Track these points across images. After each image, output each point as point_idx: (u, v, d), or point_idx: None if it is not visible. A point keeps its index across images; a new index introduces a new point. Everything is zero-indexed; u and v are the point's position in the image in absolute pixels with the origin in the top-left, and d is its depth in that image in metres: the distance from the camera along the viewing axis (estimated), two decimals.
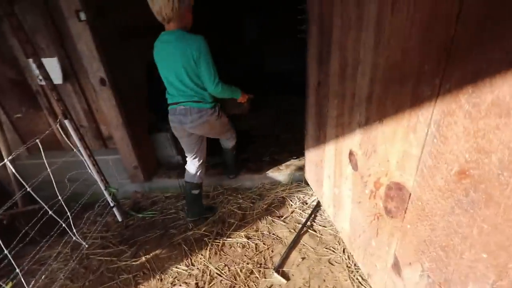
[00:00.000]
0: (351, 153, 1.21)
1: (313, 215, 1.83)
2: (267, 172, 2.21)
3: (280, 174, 2.20)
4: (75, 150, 1.75)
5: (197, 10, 1.47)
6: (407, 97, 0.80)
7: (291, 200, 2.01)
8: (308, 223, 1.77)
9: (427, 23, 0.69)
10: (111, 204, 1.94)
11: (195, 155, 1.76)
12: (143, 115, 2.22)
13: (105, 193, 1.90)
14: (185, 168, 1.84)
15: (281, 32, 4.90)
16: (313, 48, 1.50)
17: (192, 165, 1.79)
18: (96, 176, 1.85)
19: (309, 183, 2.05)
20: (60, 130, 1.73)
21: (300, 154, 2.41)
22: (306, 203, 1.98)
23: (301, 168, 2.20)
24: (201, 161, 1.80)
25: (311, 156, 1.83)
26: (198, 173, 1.80)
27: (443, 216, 0.73)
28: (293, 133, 2.91)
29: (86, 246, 1.75)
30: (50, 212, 1.47)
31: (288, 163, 2.31)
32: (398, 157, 0.88)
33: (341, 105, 1.24)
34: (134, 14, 2.20)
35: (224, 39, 4.34)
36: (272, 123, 3.21)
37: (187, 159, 1.82)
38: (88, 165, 1.80)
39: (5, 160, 1.34)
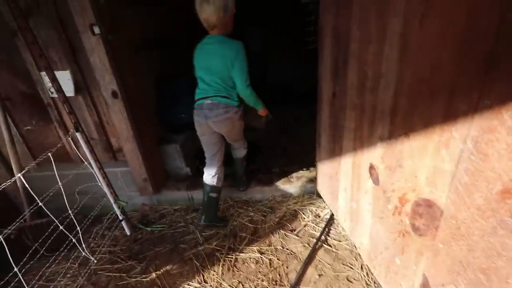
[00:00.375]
0: (371, 167, 1.18)
1: (326, 229, 1.78)
2: (277, 184, 2.18)
3: (291, 186, 2.16)
4: (85, 163, 1.73)
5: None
6: (438, 111, 0.78)
7: (303, 213, 1.97)
8: (323, 237, 1.72)
9: (462, 36, 0.67)
10: (120, 218, 1.90)
11: (214, 156, 1.79)
12: (153, 127, 2.21)
13: (114, 206, 1.86)
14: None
15: (284, 43, 4.97)
16: (327, 60, 1.50)
17: (211, 167, 1.81)
18: (106, 189, 1.82)
19: (321, 195, 2.01)
20: (72, 143, 1.71)
21: (310, 165, 2.38)
22: (319, 216, 1.93)
23: (312, 180, 2.16)
24: (220, 163, 1.82)
25: (325, 169, 1.80)
26: (217, 176, 1.81)
27: (482, 237, 0.69)
28: (301, 144, 2.89)
29: (95, 261, 1.70)
30: (60, 227, 1.44)
31: (298, 174, 2.27)
32: (428, 173, 0.85)
33: (360, 118, 1.22)
34: (144, 28, 2.23)
35: None
36: (278, 135, 3.20)
37: (206, 160, 1.84)
38: (98, 178, 1.78)
39: (18, 175, 1.32)
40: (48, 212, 1.42)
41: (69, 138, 1.67)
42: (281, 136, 3.15)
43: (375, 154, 1.14)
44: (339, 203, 1.65)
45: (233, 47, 1.46)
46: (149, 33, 2.30)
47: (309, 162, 2.44)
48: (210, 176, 1.80)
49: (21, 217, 1.34)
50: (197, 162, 2.48)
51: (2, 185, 1.22)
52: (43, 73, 1.79)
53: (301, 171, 2.32)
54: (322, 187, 1.95)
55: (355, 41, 1.17)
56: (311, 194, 2.12)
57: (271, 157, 2.68)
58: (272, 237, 1.80)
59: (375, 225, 1.22)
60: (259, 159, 2.61)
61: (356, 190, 1.37)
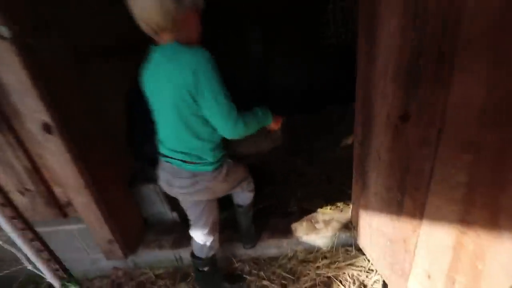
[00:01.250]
0: None
1: None
2: (299, 234, 1.55)
3: (318, 236, 1.54)
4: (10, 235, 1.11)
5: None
6: None
7: (341, 281, 1.35)
8: None
9: None
10: None
11: (199, 219, 1.15)
12: (120, 164, 1.59)
13: None
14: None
15: (286, 45, 4.37)
16: (388, 60, 0.88)
17: (198, 233, 1.18)
18: (42, 269, 1.19)
19: (368, 256, 1.39)
20: None
21: (338, 198, 1.78)
22: (365, 286, 1.32)
23: (347, 226, 1.55)
24: (210, 226, 1.17)
25: (377, 224, 1.18)
26: (207, 244, 1.19)
27: None
28: (320, 166, 2.27)
29: None
30: None
31: (326, 217, 1.65)
32: None
33: (491, 167, 0.61)
34: (107, 25, 1.61)
35: (223, 52, 3.78)
36: (287, 153, 2.53)
37: (190, 223, 1.20)
38: (26, 256, 1.15)
39: None
40: None
41: None
42: (291, 155, 2.51)
43: None
44: (410, 286, 1.03)
45: (188, 64, 0.79)
46: (113, 33, 1.68)
47: (336, 193, 1.83)
48: (198, 246, 1.19)
49: None
50: None
51: None
52: None
53: (328, 210, 1.71)
54: (368, 243, 1.34)
55: (477, 21, 0.56)
56: (348, 247, 1.51)
57: (284, 187, 2.05)
58: None
59: None
60: (269, 192, 1.99)
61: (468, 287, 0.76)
